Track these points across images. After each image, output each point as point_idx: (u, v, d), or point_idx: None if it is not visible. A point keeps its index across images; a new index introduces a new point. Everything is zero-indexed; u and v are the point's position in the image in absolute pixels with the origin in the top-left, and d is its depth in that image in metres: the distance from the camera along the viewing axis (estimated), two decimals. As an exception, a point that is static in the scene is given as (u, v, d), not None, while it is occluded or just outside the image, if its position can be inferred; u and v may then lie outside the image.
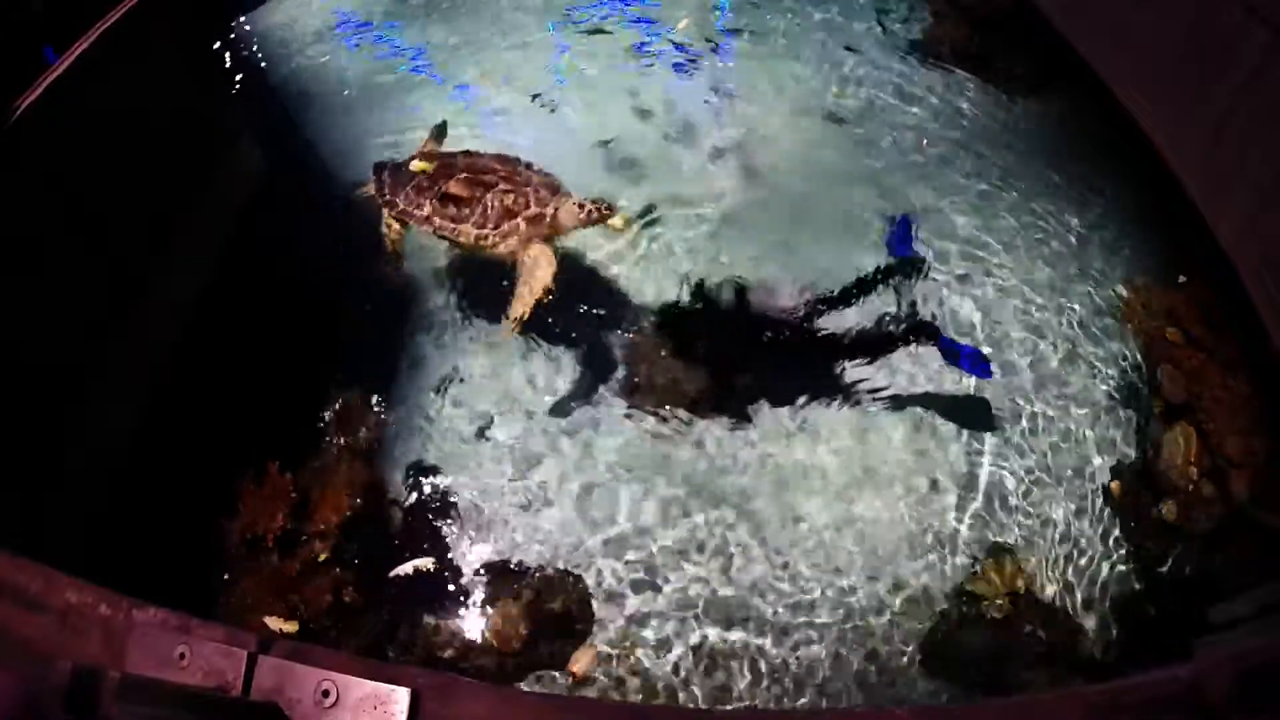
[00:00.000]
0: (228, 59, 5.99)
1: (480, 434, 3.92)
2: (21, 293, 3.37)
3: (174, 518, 3.45)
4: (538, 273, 3.80)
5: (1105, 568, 3.48)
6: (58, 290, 3.56)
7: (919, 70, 5.56)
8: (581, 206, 3.90)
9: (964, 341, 4.04)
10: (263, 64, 6.02)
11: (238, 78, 5.87)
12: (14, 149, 3.32)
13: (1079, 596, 3.42)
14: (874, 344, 4.06)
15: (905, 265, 4.17)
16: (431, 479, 3.79)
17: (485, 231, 3.88)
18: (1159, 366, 3.92)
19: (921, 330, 3.99)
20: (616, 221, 4.08)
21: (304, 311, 4.31)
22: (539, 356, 4.15)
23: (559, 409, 3.98)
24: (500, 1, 6.42)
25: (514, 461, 3.82)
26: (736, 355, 4.07)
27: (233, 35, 6.19)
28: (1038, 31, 5.14)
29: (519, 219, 3.86)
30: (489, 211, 3.88)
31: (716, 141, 5.10)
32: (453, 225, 3.94)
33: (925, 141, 5.07)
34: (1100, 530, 3.58)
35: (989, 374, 3.86)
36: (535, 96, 5.49)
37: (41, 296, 3.48)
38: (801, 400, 3.92)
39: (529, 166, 4.18)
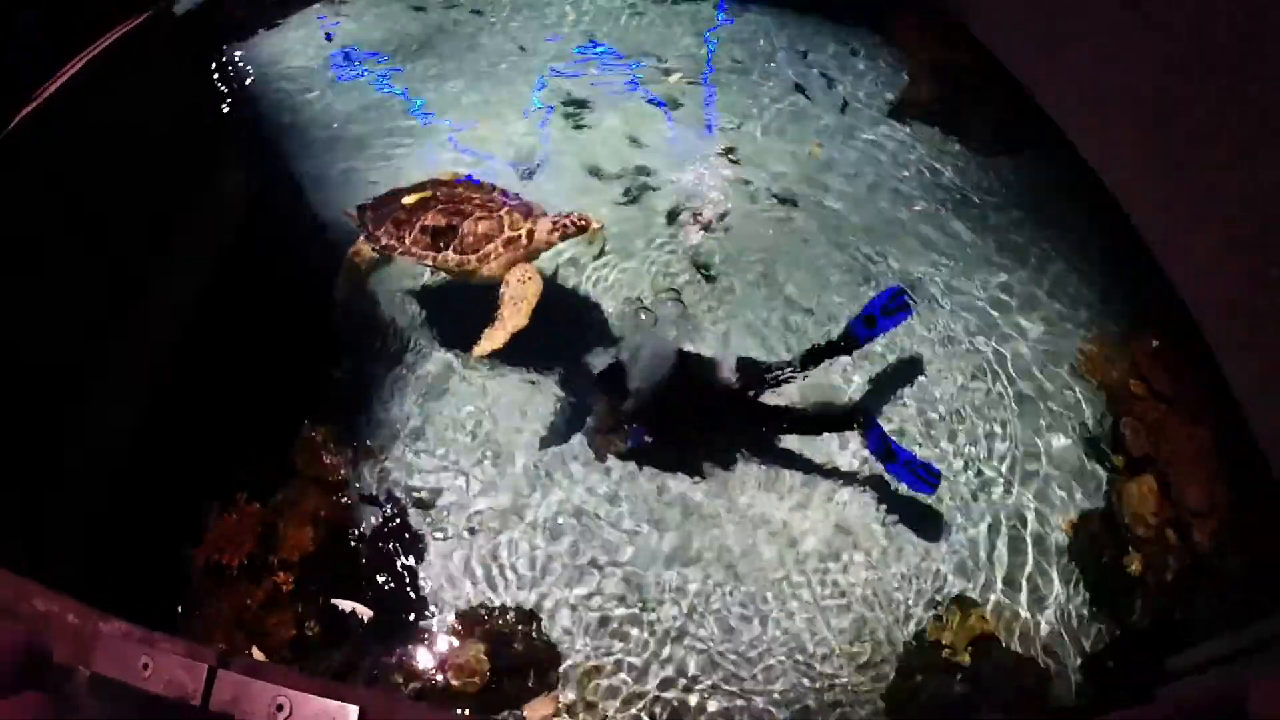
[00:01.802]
0: (219, 89, 6.12)
1: (448, 470, 3.92)
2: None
3: (140, 544, 3.44)
4: (522, 293, 3.89)
5: (1070, 618, 3.49)
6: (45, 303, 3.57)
7: (893, 131, 5.73)
8: (556, 222, 4.03)
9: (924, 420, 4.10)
10: (252, 96, 6.14)
11: (227, 109, 5.99)
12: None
13: (1044, 646, 3.42)
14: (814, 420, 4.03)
15: (869, 334, 4.02)
16: (399, 514, 3.77)
17: (465, 258, 3.97)
18: (1122, 419, 3.99)
19: (861, 419, 3.73)
20: (593, 231, 4.22)
21: (275, 343, 4.30)
22: (509, 392, 4.18)
23: (528, 447, 3.99)
24: (488, 41, 6.63)
25: (481, 499, 3.82)
26: (700, 411, 4.04)
27: (225, 66, 6.33)
28: (1006, 92, 5.31)
29: (496, 242, 3.96)
30: (467, 238, 3.95)
31: (692, 199, 5.19)
32: (434, 255, 4.02)
33: (914, 206, 5.18)
34: (1065, 581, 3.60)
35: (929, 487, 3.55)
36: (516, 135, 5.65)
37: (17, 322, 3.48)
38: (763, 457, 3.94)
39: (504, 192, 4.28)
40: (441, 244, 4.01)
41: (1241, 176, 3.52)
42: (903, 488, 3.66)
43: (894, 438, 3.76)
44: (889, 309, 3.97)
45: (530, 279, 3.94)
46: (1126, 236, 4.24)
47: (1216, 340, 3.70)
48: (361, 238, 4.30)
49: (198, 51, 6.09)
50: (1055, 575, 3.61)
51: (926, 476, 3.52)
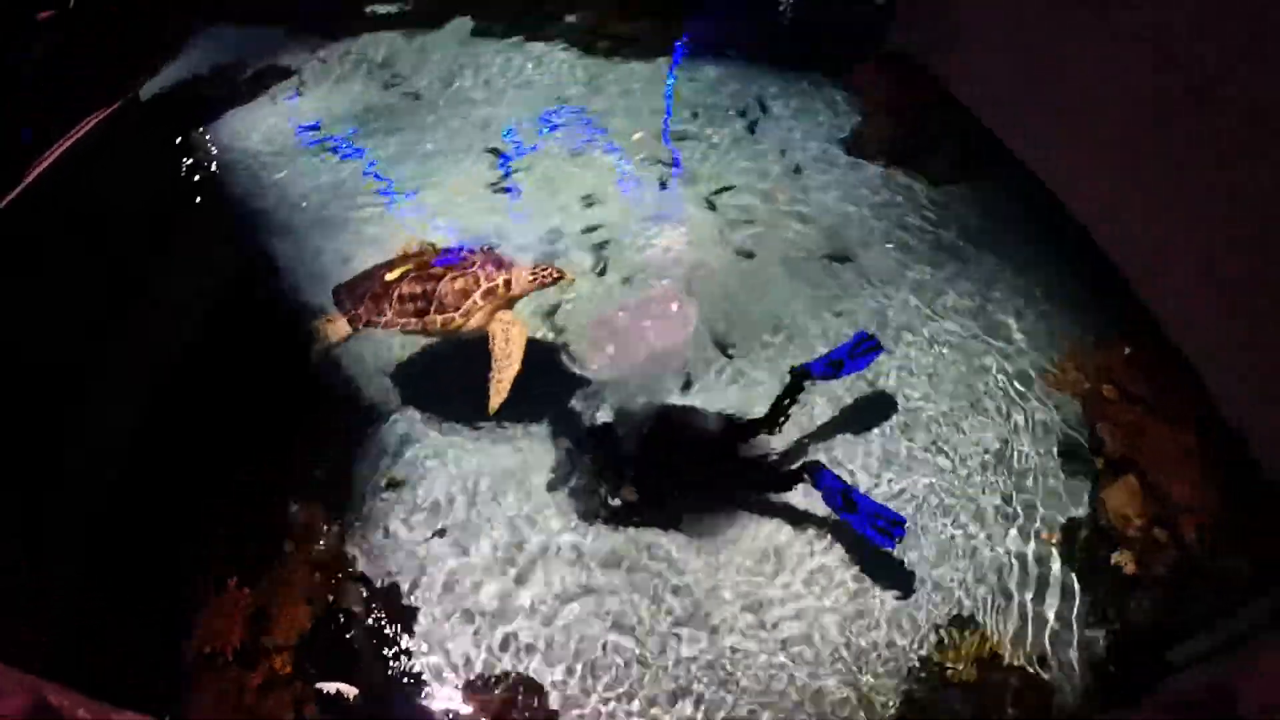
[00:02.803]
0: (188, 170, 6.22)
1: (439, 543, 3.90)
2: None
3: (134, 631, 3.42)
4: (511, 337, 4.00)
5: (1068, 623, 3.49)
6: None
7: (853, 169, 5.88)
8: (534, 273, 4.14)
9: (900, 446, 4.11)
10: (221, 176, 6.25)
11: (197, 189, 6.07)
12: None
13: (1046, 654, 3.41)
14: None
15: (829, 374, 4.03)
16: (390, 591, 3.75)
17: (449, 315, 4.05)
18: (1098, 424, 4.05)
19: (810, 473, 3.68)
20: (567, 280, 4.31)
21: (254, 424, 4.34)
22: (494, 457, 4.19)
23: (515, 511, 3.98)
24: (448, 114, 6.81)
25: (471, 568, 3.80)
26: (683, 467, 4.03)
27: (193, 147, 6.46)
28: (962, 123, 5.50)
29: (475, 296, 4.05)
30: (446, 298, 4.02)
31: (657, 247, 5.30)
32: (417, 320, 4.09)
33: (878, 240, 5.29)
34: (1059, 588, 3.60)
35: (890, 540, 3.43)
36: (478, 202, 5.77)
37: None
38: (745, 509, 3.93)
39: (471, 250, 4.39)
40: (423, 308, 4.07)
41: (1215, 190, 3.70)
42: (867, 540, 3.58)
43: (869, 469, 3.88)
44: (857, 352, 4.03)
45: (513, 325, 4.04)
46: (1086, 252, 4.38)
47: (1185, 342, 3.81)
48: (337, 316, 4.34)
49: (167, 134, 6.22)
50: (1050, 583, 3.61)
51: (888, 529, 3.43)
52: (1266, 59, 3.37)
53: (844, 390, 4.30)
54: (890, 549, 3.53)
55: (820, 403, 4.27)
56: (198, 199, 6.05)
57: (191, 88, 7.27)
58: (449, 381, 4.50)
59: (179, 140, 6.49)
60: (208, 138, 6.64)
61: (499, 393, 3.90)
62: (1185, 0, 3.77)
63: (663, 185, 5.81)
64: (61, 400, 4.03)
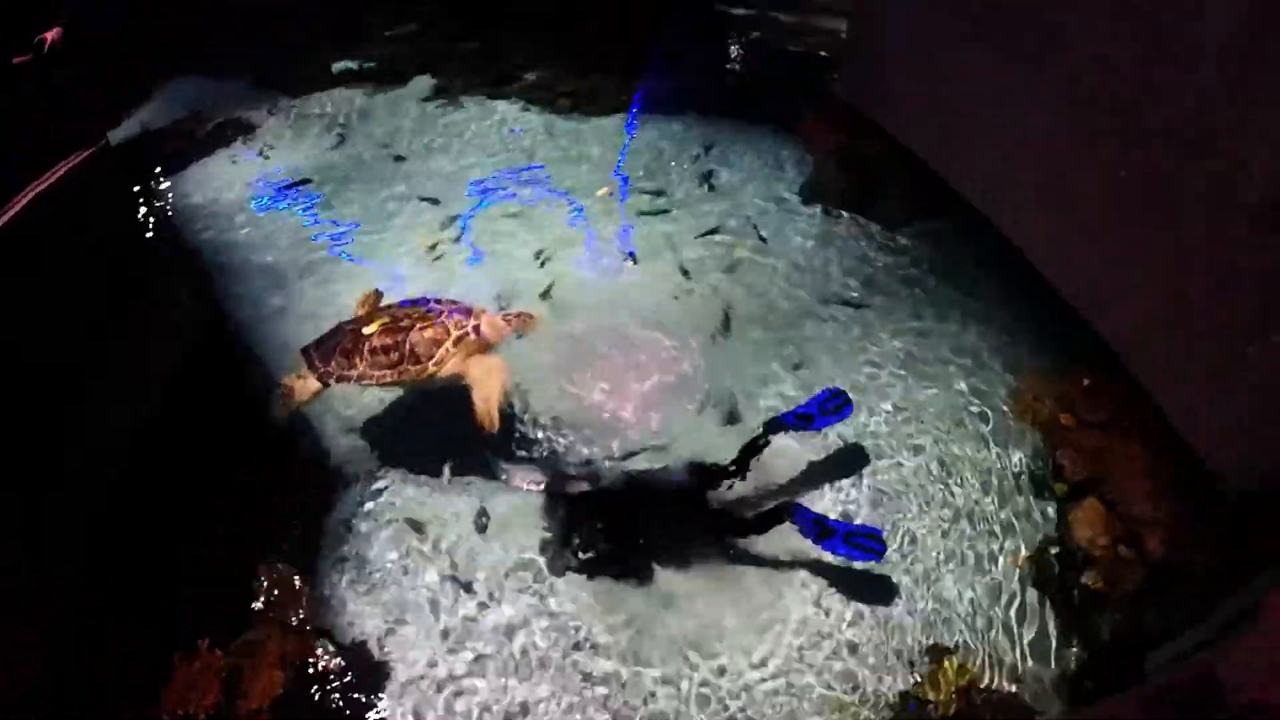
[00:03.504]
0: (154, 221, 6.15)
1: (409, 597, 3.78)
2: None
3: (104, 697, 3.29)
4: (490, 382, 4.05)
5: (1045, 646, 3.50)
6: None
7: (804, 216, 6.05)
8: (506, 319, 4.29)
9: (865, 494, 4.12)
10: (186, 229, 6.18)
11: (162, 241, 6.00)
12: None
13: (1027, 678, 3.41)
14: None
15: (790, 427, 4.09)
16: (364, 653, 3.60)
17: (421, 365, 4.08)
18: (1058, 451, 4.14)
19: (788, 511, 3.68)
20: (536, 324, 4.47)
21: (223, 482, 4.23)
22: (463, 511, 4.09)
23: (486, 566, 3.88)
24: (410, 168, 6.87)
25: (445, 627, 3.68)
26: (651, 517, 4.00)
27: (159, 198, 6.41)
28: (910, 167, 5.70)
29: (445, 345, 4.09)
30: (418, 348, 4.02)
31: (613, 299, 5.32)
32: (388, 372, 4.10)
33: (834, 286, 5.39)
34: (1032, 611, 3.62)
35: (875, 555, 3.51)
36: (438, 258, 5.78)
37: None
38: (715, 557, 3.88)
39: (438, 301, 4.41)
40: (395, 359, 4.07)
41: (1146, 216, 3.90)
42: (854, 561, 3.62)
43: (838, 511, 3.89)
44: (827, 408, 4.09)
45: (496, 369, 4.12)
46: (1036, 286, 4.52)
47: (1136, 366, 3.94)
48: (306, 373, 4.32)
49: (131, 184, 6.15)
50: (1023, 608, 3.64)
51: (869, 544, 3.50)
52: (1170, 87, 3.64)
53: (810, 437, 4.32)
54: (877, 562, 3.55)
55: (787, 444, 4.27)
56: (160, 252, 6.00)
57: (155, 138, 7.25)
58: (418, 435, 4.46)
59: (143, 191, 6.45)
60: (170, 190, 6.60)
61: (491, 417, 3.96)
62: (1090, 42, 4.07)
63: (631, 255, 5.81)
64: (16, 454, 3.86)
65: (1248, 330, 3.41)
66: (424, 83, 8.19)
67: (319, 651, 3.59)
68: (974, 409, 4.48)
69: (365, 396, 4.62)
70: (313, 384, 4.22)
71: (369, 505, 4.15)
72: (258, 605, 3.74)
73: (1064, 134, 4.39)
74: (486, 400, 4.01)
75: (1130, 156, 3.97)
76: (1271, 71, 3.21)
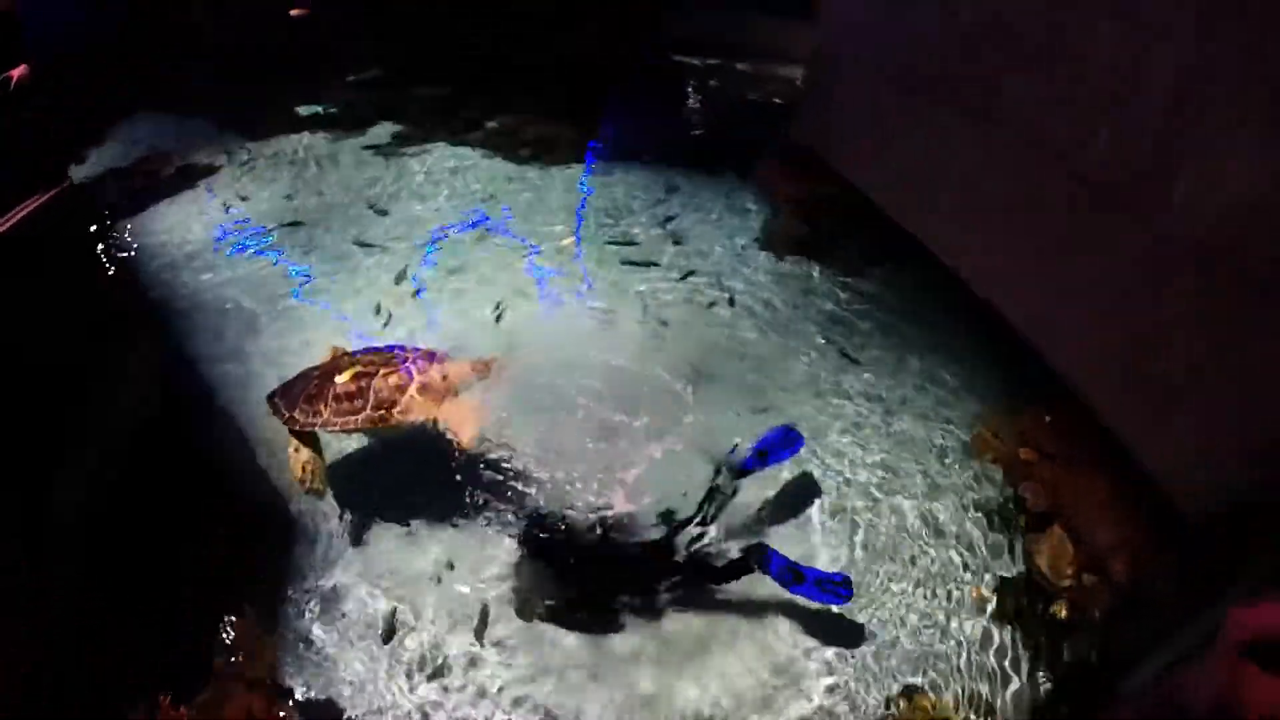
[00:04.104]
0: (112, 263, 6.05)
1: (375, 656, 3.67)
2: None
3: None
4: (465, 428, 4.02)
5: (1015, 679, 3.51)
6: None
7: (763, 262, 6.17)
8: (471, 365, 4.27)
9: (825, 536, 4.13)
10: (148, 271, 6.08)
11: (120, 284, 5.89)
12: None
13: (999, 710, 3.41)
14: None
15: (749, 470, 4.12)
16: (326, 707, 3.49)
17: (384, 412, 4.01)
18: (1020, 485, 4.22)
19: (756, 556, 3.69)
20: (500, 370, 4.39)
21: (182, 532, 4.10)
22: (428, 567, 4.02)
23: (454, 621, 3.79)
24: (373, 216, 6.86)
25: (410, 681, 3.57)
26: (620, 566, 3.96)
27: (121, 238, 6.30)
28: (867, 213, 5.85)
29: (410, 391, 4.05)
30: (381, 394, 4.00)
31: (570, 348, 5.32)
32: (353, 418, 4.03)
33: (794, 330, 5.47)
34: (1001, 646, 3.63)
35: (841, 599, 3.55)
36: (399, 303, 5.75)
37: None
38: (684, 604, 3.83)
39: (401, 347, 4.39)
40: (359, 405, 4.03)
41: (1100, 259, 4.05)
42: (821, 605, 3.64)
43: (802, 551, 3.87)
44: (779, 444, 4.16)
45: (470, 413, 4.10)
46: (993, 326, 4.64)
47: (1094, 399, 4.07)
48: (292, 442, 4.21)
49: (96, 224, 6.05)
50: (991, 640, 3.64)
51: (837, 590, 3.54)
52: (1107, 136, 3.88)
53: (773, 473, 4.32)
54: (844, 604, 3.57)
55: (752, 488, 4.27)
56: (121, 295, 5.89)
57: (117, 178, 7.17)
58: (386, 484, 4.40)
59: (106, 232, 6.35)
60: (133, 230, 6.51)
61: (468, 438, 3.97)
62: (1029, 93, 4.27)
63: (583, 284, 5.88)
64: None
65: (1189, 363, 3.56)
66: (386, 129, 8.26)
67: (283, 708, 3.47)
68: (936, 446, 4.55)
69: (333, 447, 4.53)
70: (304, 448, 4.14)
71: (337, 559, 4.05)
72: (221, 661, 3.60)
73: (1009, 179, 4.59)
74: (467, 441, 4.00)
75: (1071, 199, 4.18)
76: (1207, 121, 3.40)
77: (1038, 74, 4.38)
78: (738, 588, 3.77)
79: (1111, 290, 4.04)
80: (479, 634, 3.72)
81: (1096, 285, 4.15)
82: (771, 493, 4.30)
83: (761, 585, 3.69)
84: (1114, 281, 4.01)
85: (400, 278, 6.01)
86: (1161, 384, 3.78)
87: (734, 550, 3.90)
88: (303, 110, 8.56)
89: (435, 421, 4.05)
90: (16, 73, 4.45)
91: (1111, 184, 3.94)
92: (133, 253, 6.31)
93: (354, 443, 4.59)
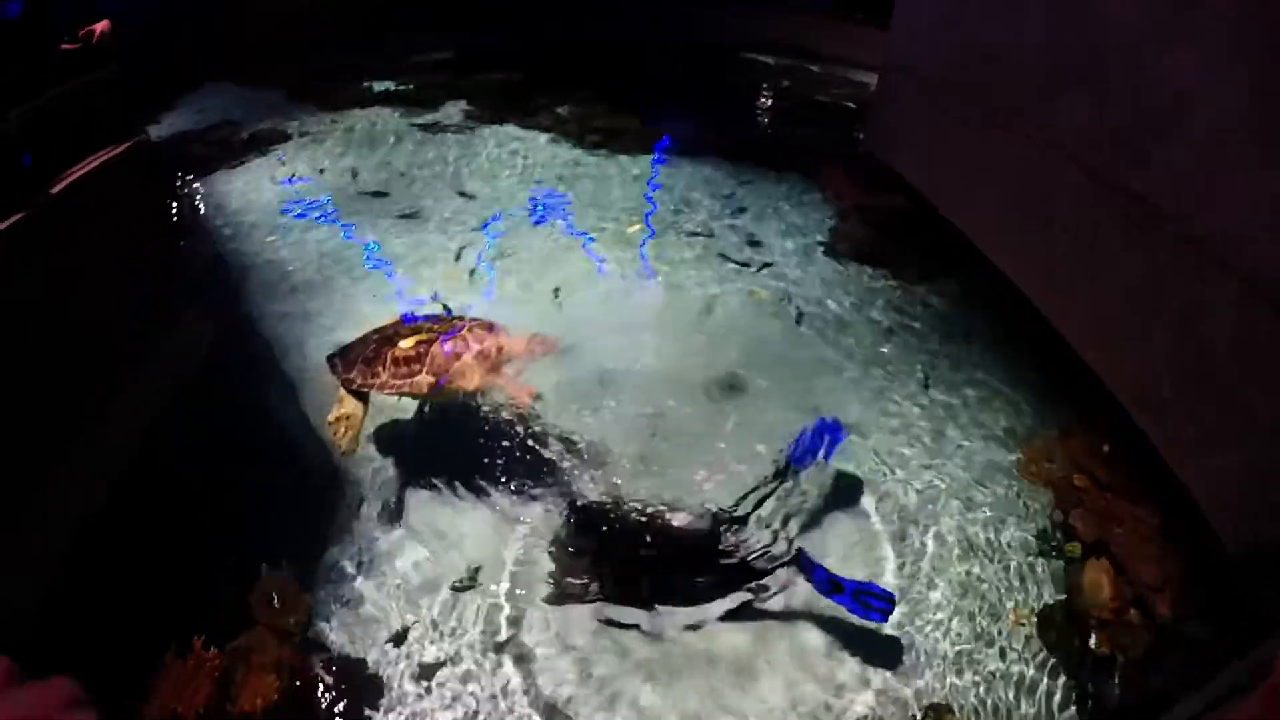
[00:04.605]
0: (178, 225, 6.23)
1: (411, 614, 3.71)
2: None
3: (93, 690, 3.16)
4: (517, 400, 4.18)
5: (1051, 708, 3.42)
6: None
7: (824, 265, 6.11)
8: (531, 340, 4.25)
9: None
10: (214, 233, 6.26)
11: (185, 244, 6.05)
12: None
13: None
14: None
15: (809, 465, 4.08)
16: (359, 664, 3.54)
17: (439, 378, 4.04)
18: (1070, 511, 4.12)
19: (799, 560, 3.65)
20: (556, 349, 4.38)
21: (236, 488, 4.20)
22: (473, 531, 4.05)
23: (492, 589, 3.81)
24: (440, 189, 6.97)
25: (445, 643, 3.61)
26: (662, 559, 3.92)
27: (190, 199, 6.50)
28: (930, 222, 5.77)
29: (467, 357, 4.06)
30: (437, 361, 4.04)
31: (631, 343, 5.27)
32: (409, 381, 4.07)
33: (851, 338, 5.39)
34: (1038, 674, 3.55)
35: (881, 615, 3.43)
36: (460, 280, 5.81)
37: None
38: (723, 602, 3.75)
39: (461, 317, 4.43)
40: (415, 370, 4.08)
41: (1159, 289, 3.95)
42: (858, 619, 3.52)
43: (843, 564, 3.79)
44: (820, 439, 4.07)
45: (523, 390, 4.16)
46: (1052, 343, 4.54)
47: (1150, 427, 3.96)
48: (340, 396, 4.28)
49: (166, 182, 6.23)
50: (1028, 669, 3.55)
51: (878, 604, 3.43)
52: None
53: (820, 479, 4.28)
54: (881, 623, 3.48)
55: (796, 492, 4.23)
56: (187, 251, 6.07)
57: (188, 142, 7.40)
58: (431, 454, 4.43)
59: (175, 191, 6.55)
60: (202, 193, 6.71)
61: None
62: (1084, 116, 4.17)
63: (646, 274, 5.91)
64: (36, 447, 3.86)
65: (1241, 394, 3.45)
66: (457, 109, 8.36)
67: (313, 660, 3.52)
68: (985, 464, 4.46)
69: (386, 412, 4.61)
70: (350, 403, 4.22)
71: (378, 519, 4.12)
72: (255, 610, 3.66)
73: (1068, 198, 4.49)
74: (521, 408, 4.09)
75: (1127, 220, 4.08)
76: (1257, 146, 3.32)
77: (1095, 96, 4.30)
78: (776, 596, 3.74)
79: (1161, 314, 3.94)
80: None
81: (1148, 309, 4.04)
82: (813, 498, 4.24)
83: (799, 595, 3.68)
84: (1164, 306, 3.91)
85: (459, 255, 6.08)
86: (1209, 413, 3.67)
87: (776, 551, 3.85)
88: (375, 86, 8.70)
89: (488, 392, 4.09)
90: (100, 27, 4.58)
91: (1166, 207, 3.85)
92: (200, 211, 6.52)
93: (409, 411, 4.64)
